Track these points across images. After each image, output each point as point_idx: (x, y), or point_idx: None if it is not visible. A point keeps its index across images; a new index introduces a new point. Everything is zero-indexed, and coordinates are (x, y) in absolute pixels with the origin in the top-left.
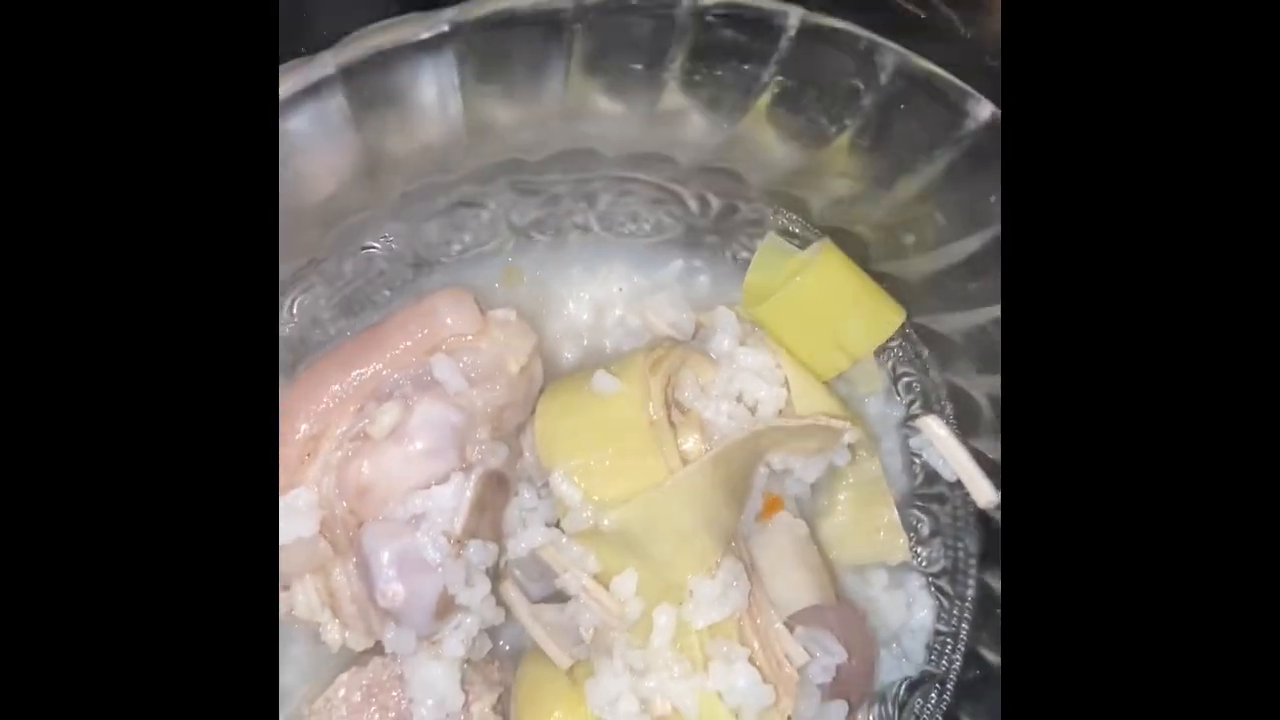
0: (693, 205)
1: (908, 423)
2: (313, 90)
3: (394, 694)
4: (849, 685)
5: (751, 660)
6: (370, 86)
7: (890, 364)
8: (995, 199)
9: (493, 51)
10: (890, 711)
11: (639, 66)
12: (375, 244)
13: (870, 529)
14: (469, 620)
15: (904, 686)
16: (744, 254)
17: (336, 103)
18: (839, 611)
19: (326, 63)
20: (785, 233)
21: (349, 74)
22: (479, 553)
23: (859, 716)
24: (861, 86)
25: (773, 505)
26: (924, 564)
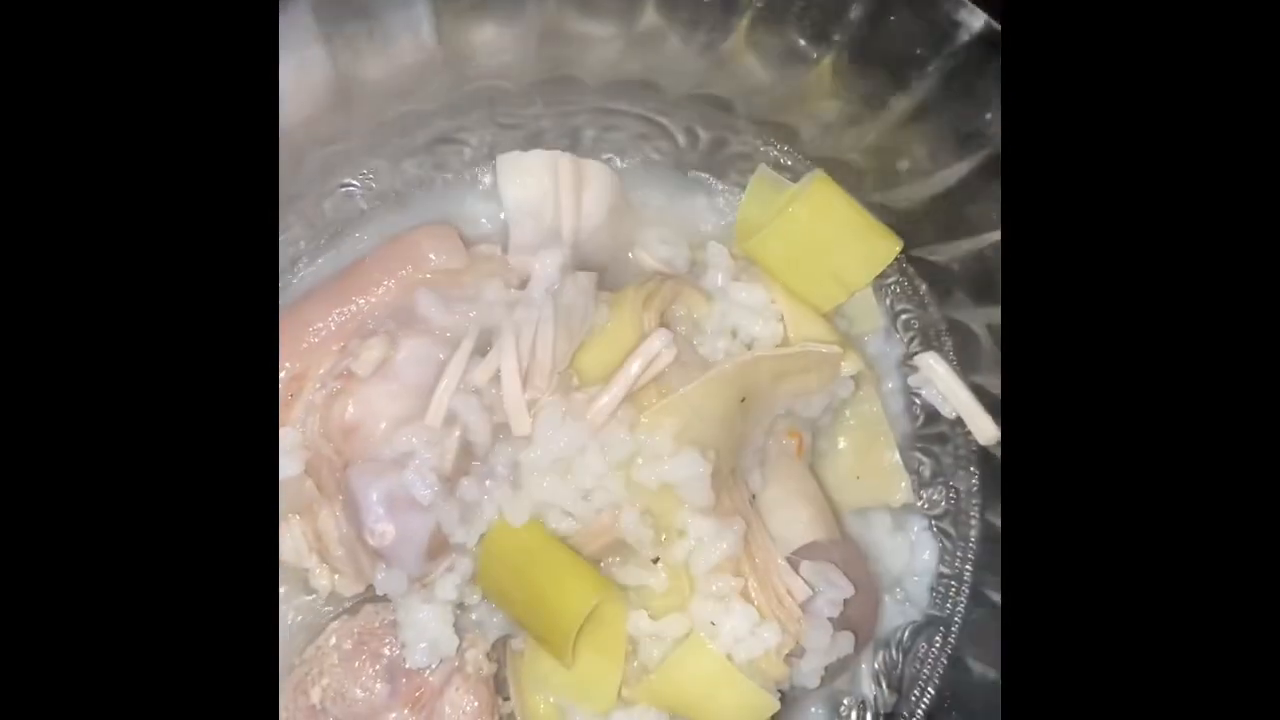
0: (680, 138)
1: (907, 361)
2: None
3: (386, 641)
4: (854, 622)
5: (747, 596)
6: (337, 1)
7: (888, 301)
8: (991, 116)
9: None
10: (894, 656)
11: None
12: (354, 181)
13: (872, 471)
14: (463, 561)
15: (908, 631)
16: (735, 188)
17: (303, 17)
18: (843, 547)
19: None
20: (777, 165)
21: None
22: (472, 490)
23: (863, 661)
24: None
25: (800, 444)
26: (926, 506)
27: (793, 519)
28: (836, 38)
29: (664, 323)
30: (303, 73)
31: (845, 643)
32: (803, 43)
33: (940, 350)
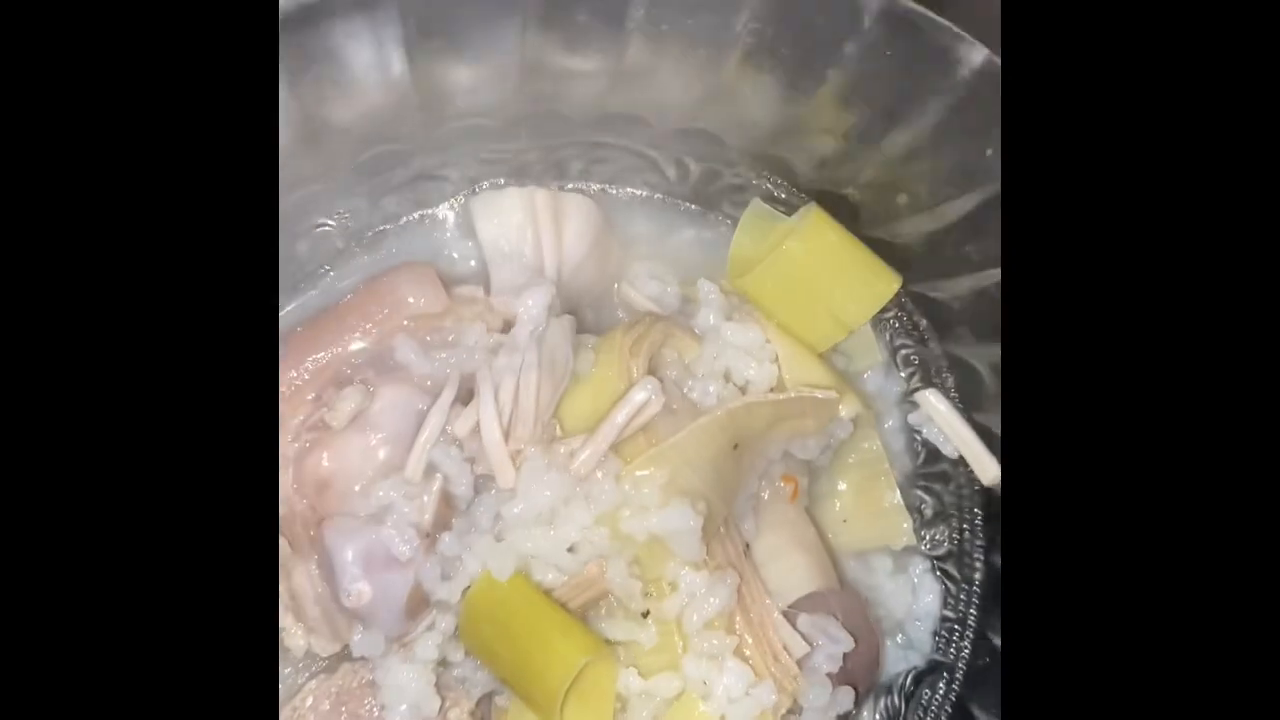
0: (670, 171)
1: (908, 398)
2: None
3: (366, 702)
4: (855, 675)
5: (741, 654)
6: (300, 45)
7: (887, 336)
8: (992, 152)
9: (437, 4)
10: (897, 703)
11: (598, 18)
12: (329, 221)
13: (873, 512)
14: (444, 618)
15: (910, 677)
16: (727, 222)
17: None
18: (842, 597)
19: None
20: (771, 199)
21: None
22: (453, 544)
23: (864, 711)
24: (843, 33)
25: (795, 489)
26: (929, 547)
27: (789, 569)
28: (832, 72)
29: (653, 367)
30: None
31: (845, 699)
32: (798, 77)
33: (941, 387)
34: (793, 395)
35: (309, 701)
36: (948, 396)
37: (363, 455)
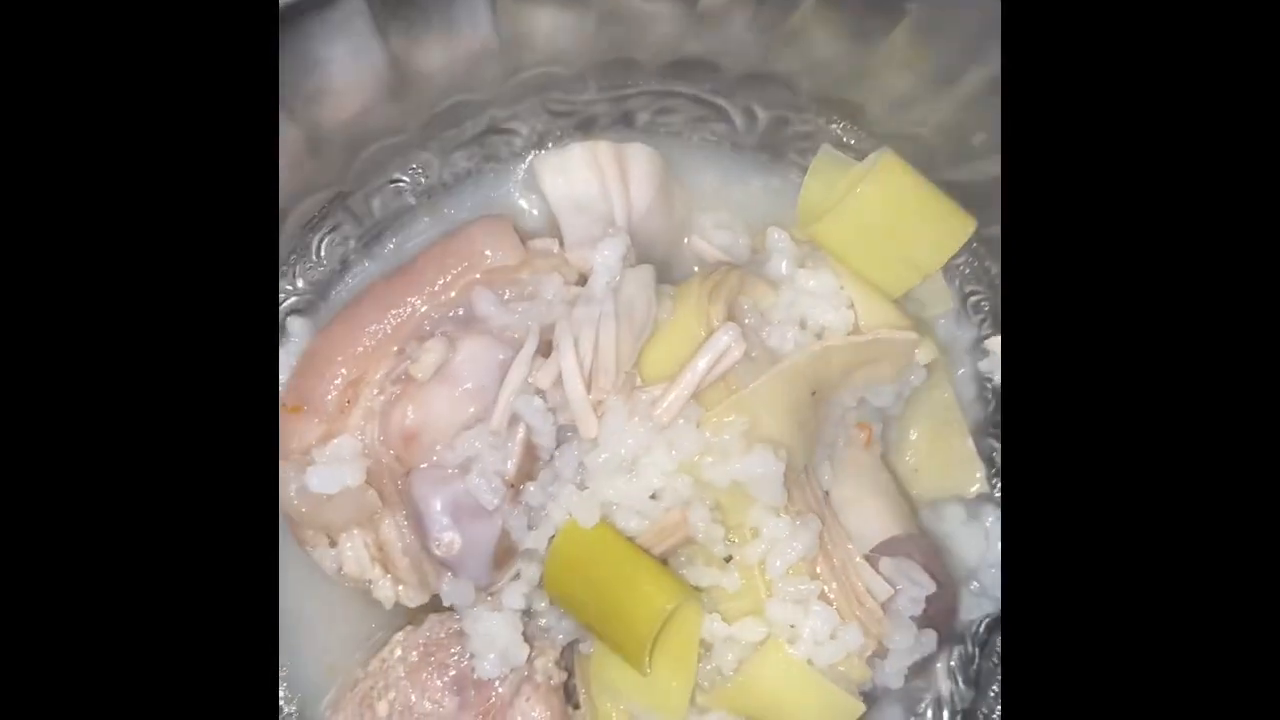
0: (738, 119)
1: (979, 345)
2: None
3: (453, 651)
4: (934, 620)
5: (826, 598)
6: None
7: (957, 283)
8: None
9: None
10: (971, 651)
11: None
12: (404, 177)
13: (946, 461)
14: (530, 567)
15: (984, 625)
16: (795, 170)
17: (358, 7)
18: (920, 542)
19: None
20: (840, 144)
21: None
22: (538, 495)
23: (939, 658)
24: None
25: (869, 435)
26: (1001, 495)
27: (868, 514)
28: (908, 9)
29: (731, 315)
30: (358, 63)
31: (929, 641)
32: (873, 16)
33: None
34: (871, 337)
35: (397, 653)
36: None
37: (448, 407)
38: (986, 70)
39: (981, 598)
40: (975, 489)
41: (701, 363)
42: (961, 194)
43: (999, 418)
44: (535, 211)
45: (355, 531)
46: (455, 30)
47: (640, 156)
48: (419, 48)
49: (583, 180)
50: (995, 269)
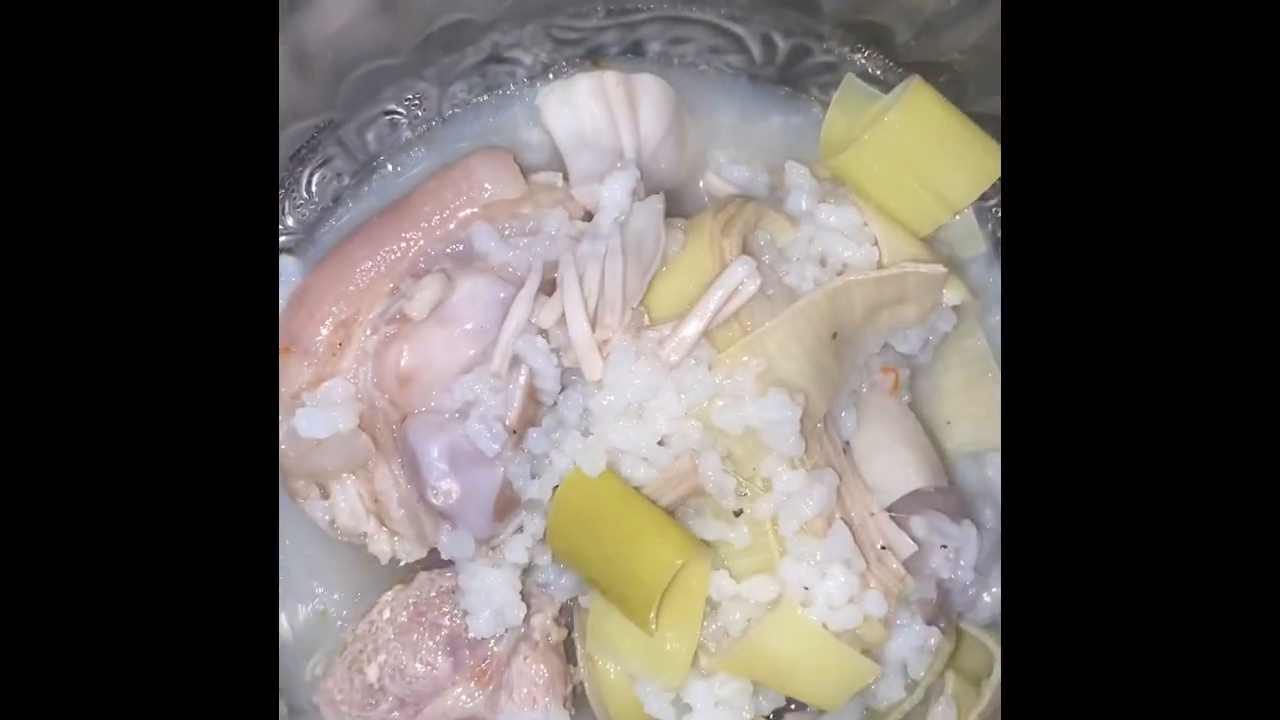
0: (756, 50)
1: None
2: None
3: (445, 610)
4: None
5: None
6: None
7: (989, 226)
8: None
9: None
10: None
11: None
12: (399, 109)
13: (979, 412)
14: (534, 520)
15: None
16: (817, 105)
17: None
18: (949, 495)
19: None
20: (865, 76)
21: None
22: (541, 441)
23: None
24: None
25: (896, 380)
26: None
27: (893, 464)
28: None
29: (746, 250)
30: None
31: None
32: None
33: None
34: (895, 271)
35: (385, 614)
36: None
37: (445, 348)
38: None
39: None
40: None
41: (714, 298)
42: (994, 126)
43: None
44: (536, 145)
45: (348, 481)
46: None
47: (651, 88)
48: None
49: (589, 113)
50: None
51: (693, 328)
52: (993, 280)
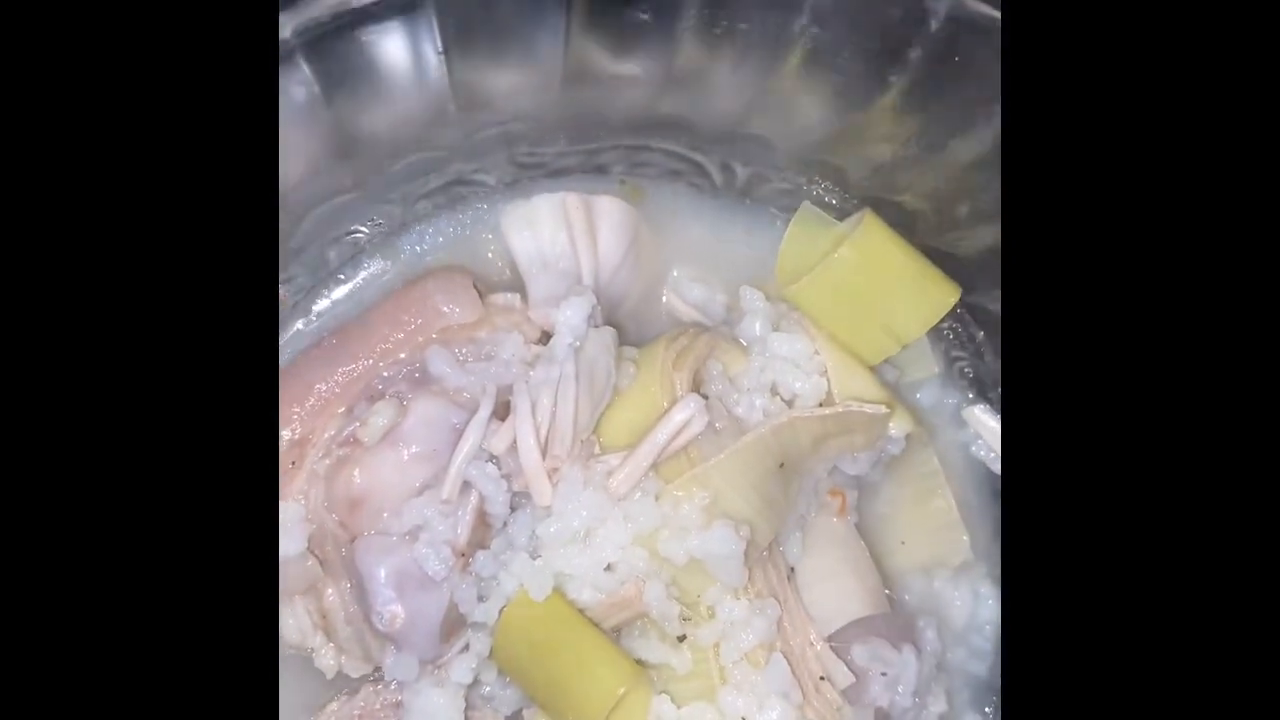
0: (716, 175)
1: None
2: None
3: None
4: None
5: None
6: (336, 54)
7: (942, 348)
8: None
9: (476, 7)
10: None
11: (647, 18)
12: (362, 228)
13: (931, 528)
14: (479, 639)
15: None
16: (777, 222)
17: (299, 75)
18: (892, 621)
19: (283, 26)
20: (821, 204)
21: (310, 42)
22: (489, 564)
23: None
24: (908, 36)
25: (843, 503)
26: None
27: (836, 593)
28: (895, 77)
29: (697, 382)
30: (298, 125)
31: None
32: (859, 81)
33: (997, 403)
34: (840, 410)
35: None
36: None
37: (396, 472)
38: (975, 144)
39: (971, 661)
40: (961, 557)
41: (661, 435)
42: (945, 264)
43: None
44: (497, 262)
45: (297, 599)
46: (405, 93)
47: (611, 210)
48: (366, 111)
49: (549, 234)
50: (981, 335)
51: (640, 461)
52: (947, 400)
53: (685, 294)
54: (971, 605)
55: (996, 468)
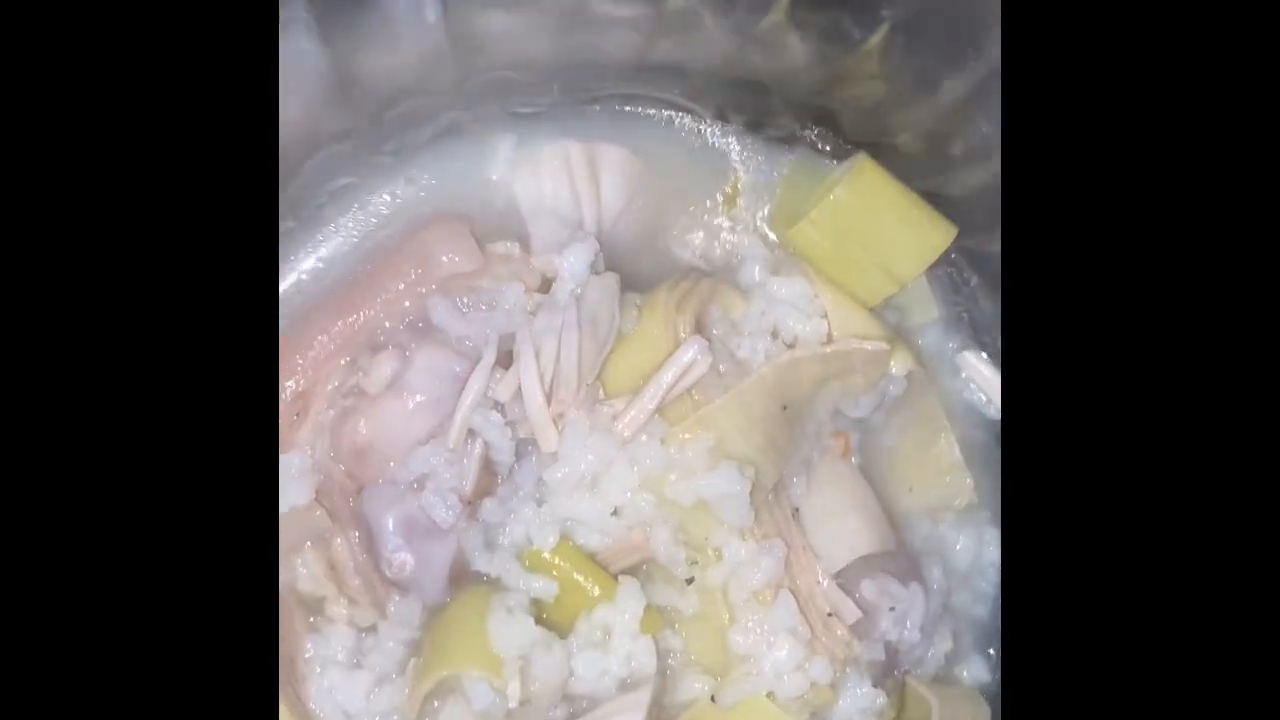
0: (712, 124)
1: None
2: None
3: None
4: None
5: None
6: None
7: (939, 293)
8: None
9: None
10: None
11: None
12: (356, 179)
13: (934, 471)
14: None
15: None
16: (774, 167)
17: (296, 10)
18: (898, 559)
19: None
20: (816, 150)
21: None
22: (496, 512)
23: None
24: None
25: (846, 445)
26: None
27: (842, 530)
28: (886, 15)
29: (699, 325)
30: (296, 67)
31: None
32: (849, 21)
33: (992, 346)
34: (840, 348)
35: None
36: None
37: (401, 421)
38: (964, 81)
39: (975, 605)
40: (963, 500)
41: (666, 377)
42: (940, 204)
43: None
44: (495, 212)
45: (306, 550)
46: (401, 32)
47: (614, 159)
48: (362, 51)
49: (552, 182)
50: (975, 279)
51: (645, 404)
52: (949, 345)
53: (686, 241)
54: (975, 548)
55: (990, 412)
